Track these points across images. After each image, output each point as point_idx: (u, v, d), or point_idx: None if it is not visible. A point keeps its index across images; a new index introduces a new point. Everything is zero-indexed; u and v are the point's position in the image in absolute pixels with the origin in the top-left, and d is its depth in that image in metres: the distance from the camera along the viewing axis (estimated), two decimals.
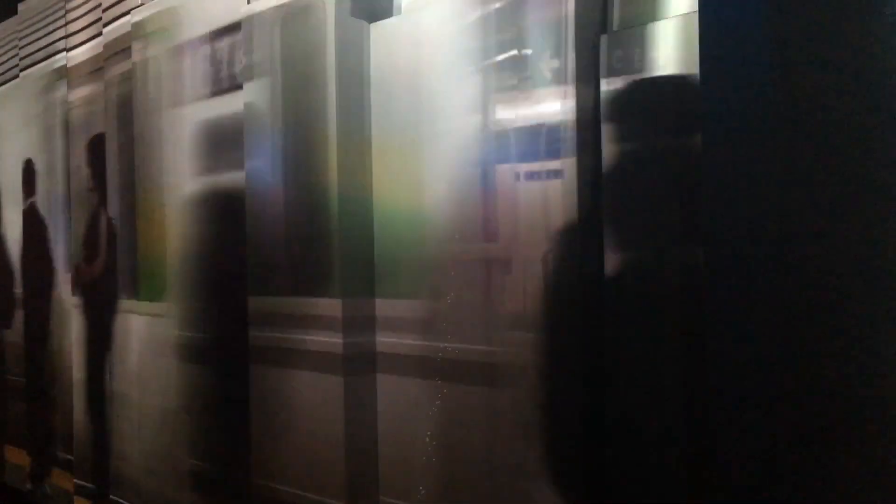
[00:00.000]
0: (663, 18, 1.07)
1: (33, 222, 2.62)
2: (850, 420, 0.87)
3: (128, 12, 2.07)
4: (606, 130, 1.12)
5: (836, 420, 0.87)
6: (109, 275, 2.12)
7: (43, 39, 2.56)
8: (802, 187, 0.89)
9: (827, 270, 0.88)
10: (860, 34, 0.87)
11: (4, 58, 2.85)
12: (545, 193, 1.18)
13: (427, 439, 1.31)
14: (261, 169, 1.61)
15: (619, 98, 1.11)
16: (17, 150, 2.72)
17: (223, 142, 1.73)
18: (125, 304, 2.06)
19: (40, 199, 2.58)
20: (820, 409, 0.88)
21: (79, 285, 2.30)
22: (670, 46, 1.06)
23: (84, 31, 2.33)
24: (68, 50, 2.40)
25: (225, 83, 1.73)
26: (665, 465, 1.05)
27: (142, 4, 2.01)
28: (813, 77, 0.89)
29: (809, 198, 0.89)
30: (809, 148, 0.89)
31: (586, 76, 1.13)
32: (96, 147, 2.21)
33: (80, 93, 2.32)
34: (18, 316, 2.73)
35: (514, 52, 1.22)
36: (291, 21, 1.55)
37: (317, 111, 1.48)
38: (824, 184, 0.88)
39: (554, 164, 1.16)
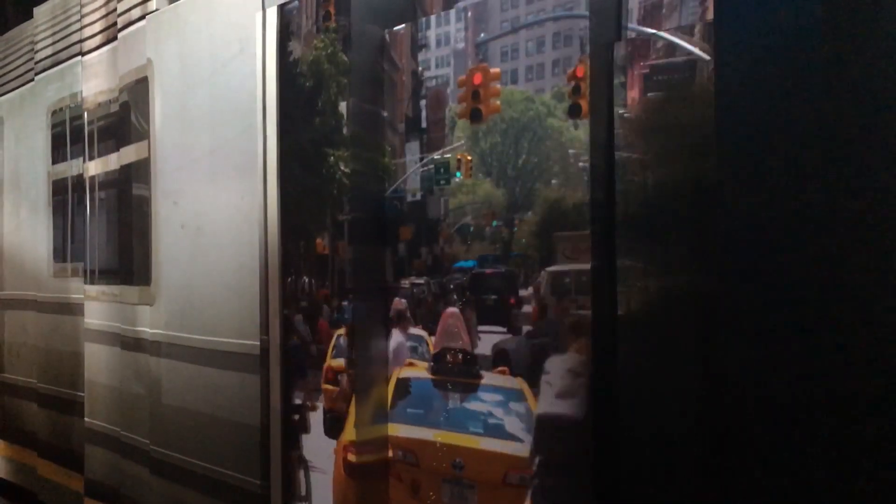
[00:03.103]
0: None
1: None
2: (865, 437, 0.87)
3: (143, 17, 2.08)
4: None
5: (855, 437, 0.87)
6: None
7: (59, 43, 2.58)
8: (820, 206, 0.89)
9: (842, 293, 0.88)
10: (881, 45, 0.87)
11: (20, 61, 2.87)
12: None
13: None
14: None
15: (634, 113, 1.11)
16: (33, 152, 2.75)
17: None
18: None
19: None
20: (833, 425, 0.88)
21: None
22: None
23: (99, 36, 2.35)
24: (83, 54, 2.42)
25: None
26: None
27: (157, 10, 2.03)
28: (835, 93, 0.89)
29: (827, 217, 0.89)
30: (829, 167, 0.89)
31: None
32: None
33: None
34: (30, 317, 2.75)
35: None
36: None
37: None
38: (842, 204, 0.88)
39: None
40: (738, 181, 0.94)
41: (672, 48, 1.09)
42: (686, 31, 1.08)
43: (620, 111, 1.12)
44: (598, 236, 1.13)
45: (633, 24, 1.13)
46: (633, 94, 1.12)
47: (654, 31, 1.11)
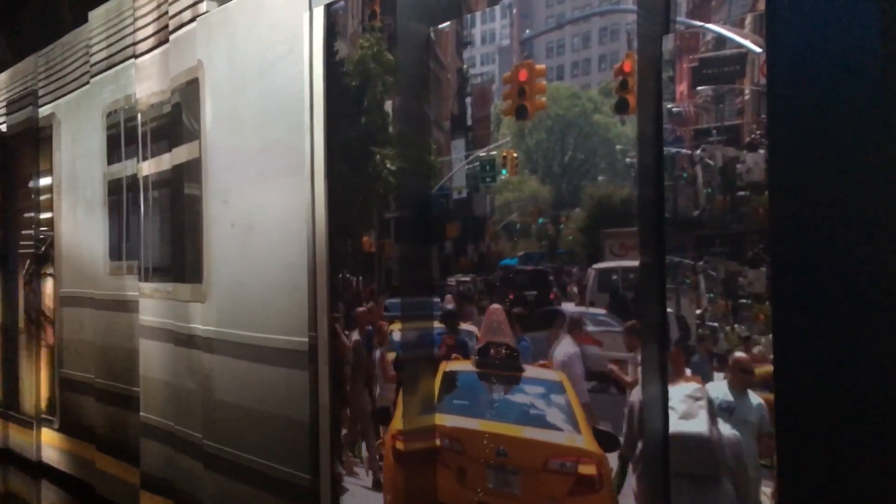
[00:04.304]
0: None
1: None
2: None
3: (193, 19, 2.12)
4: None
5: None
6: None
7: (113, 46, 2.64)
8: (875, 203, 0.87)
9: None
10: None
11: (76, 64, 2.95)
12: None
13: None
14: None
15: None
16: (89, 153, 2.82)
17: None
18: None
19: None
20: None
21: None
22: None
23: (152, 38, 2.40)
24: (136, 56, 2.48)
25: None
26: None
27: (207, 12, 2.06)
28: (892, 86, 0.86)
29: (883, 215, 0.86)
30: (885, 163, 0.86)
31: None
32: None
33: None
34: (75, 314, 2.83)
35: None
36: None
37: None
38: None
39: None
40: (790, 177, 0.92)
41: (722, 41, 1.07)
42: (736, 24, 1.06)
43: (668, 106, 1.11)
44: (647, 232, 1.12)
45: (681, 18, 1.12)
46: (682, 88, 1.10)
47: (703, 23, 1.09)
